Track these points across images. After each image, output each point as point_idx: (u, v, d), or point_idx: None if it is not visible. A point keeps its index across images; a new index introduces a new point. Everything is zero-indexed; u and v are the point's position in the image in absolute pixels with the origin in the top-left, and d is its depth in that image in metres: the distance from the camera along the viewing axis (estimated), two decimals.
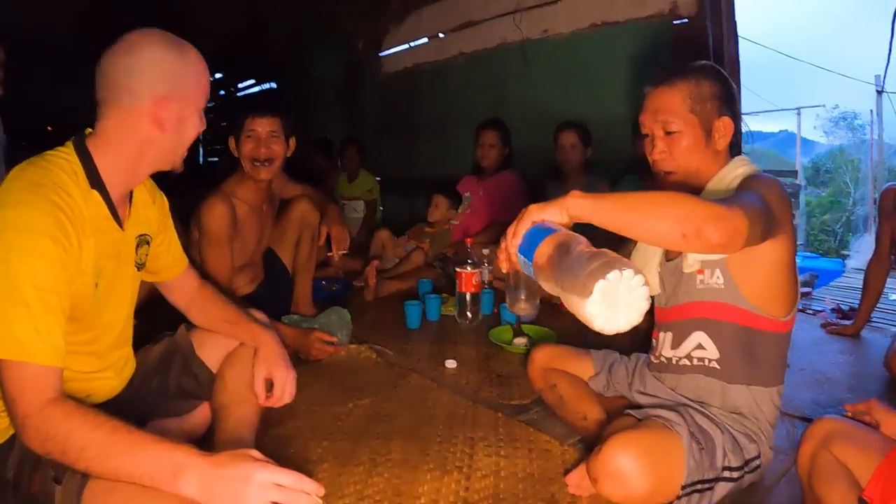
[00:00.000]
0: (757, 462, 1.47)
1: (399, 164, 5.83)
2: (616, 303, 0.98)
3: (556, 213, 1.16)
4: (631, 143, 3.26)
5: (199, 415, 1.74)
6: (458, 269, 2.95)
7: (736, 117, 1.53)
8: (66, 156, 1.31)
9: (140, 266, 1.56)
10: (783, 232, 1.37)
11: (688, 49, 3.43)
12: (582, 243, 1.05)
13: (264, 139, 2.40)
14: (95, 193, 1.32)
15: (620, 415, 1.63)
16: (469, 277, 2.93)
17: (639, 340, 1.77)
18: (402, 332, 2.93)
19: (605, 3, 4.02)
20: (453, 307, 3.06)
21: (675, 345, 1.59)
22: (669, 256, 1.63)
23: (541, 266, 1.09)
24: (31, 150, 1.32)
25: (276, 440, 1.86)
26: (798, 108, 13.57)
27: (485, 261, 3.40)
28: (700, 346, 1.53)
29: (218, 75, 9.70)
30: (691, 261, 1.51)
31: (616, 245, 1.15)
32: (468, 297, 2.95)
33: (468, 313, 2.97)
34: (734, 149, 1.57)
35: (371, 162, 5.61)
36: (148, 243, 1.57)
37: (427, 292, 3.33)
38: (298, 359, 2.43)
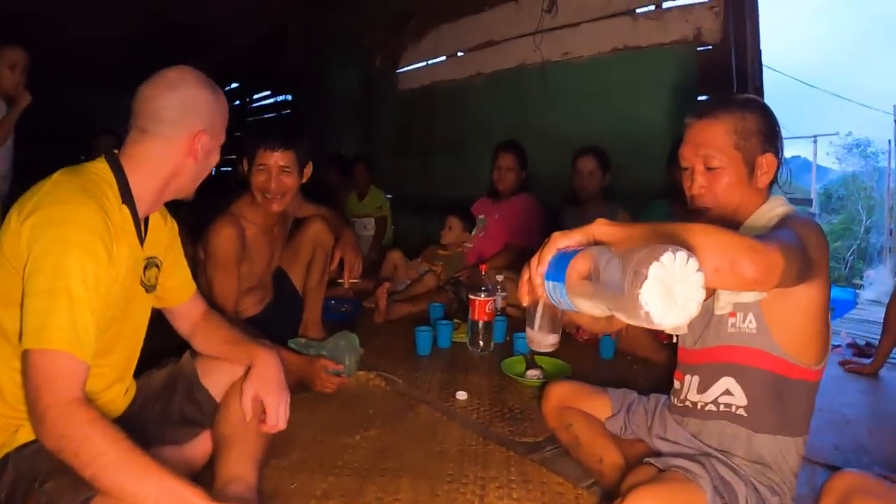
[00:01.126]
0: None
1: (414, 183, 5.78)
2: (672, 290, 0.89)
3: (581, 241, 1.09)
4: (663, 169, 3.15)
5: (200, 445, 1.69)
6: (471, 297, 2.88)
7: (779, 154, 1.47)
8: (101, 170, 1.39)
9: (149, 288, 1.55)
10: (819, 276, 1.30)
11: (712, 77, 3.38)
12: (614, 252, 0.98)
13: (275, 174, 2.33)
14: (126, 209, 1.39)
15: (639, 462, 1.55)
16: (483, 305, 2.86)
17: (658, 380, 1.70)
18: (412, 358, 2.86)
19: (627, 28, 3.97)
20: (464, 334, 3.00)
21: (702, 389, 1.51)
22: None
23: (576, 283, 1.01)
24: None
25: (280, 472, 1.79)
26: (814, 136, 13.50)
27: (498, 287, 3.33)
28: (728, 392, 1.46)
29: (234, 85, 9.76)
30: (724, 302, 1.44)
31: None
32: (481, 325, 2.88)
33: (480, 342, 2.90)
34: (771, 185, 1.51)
35: (385, 179, 5.58)
36: (157, 266, 1.58)
37: (438, 318, 3.26)
38: (304, 386, 2.37)
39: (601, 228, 1.08)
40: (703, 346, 1.52)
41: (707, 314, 1.50)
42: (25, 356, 1.16)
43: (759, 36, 3.35)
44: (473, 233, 4.01)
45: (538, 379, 2.47)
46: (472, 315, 2.90)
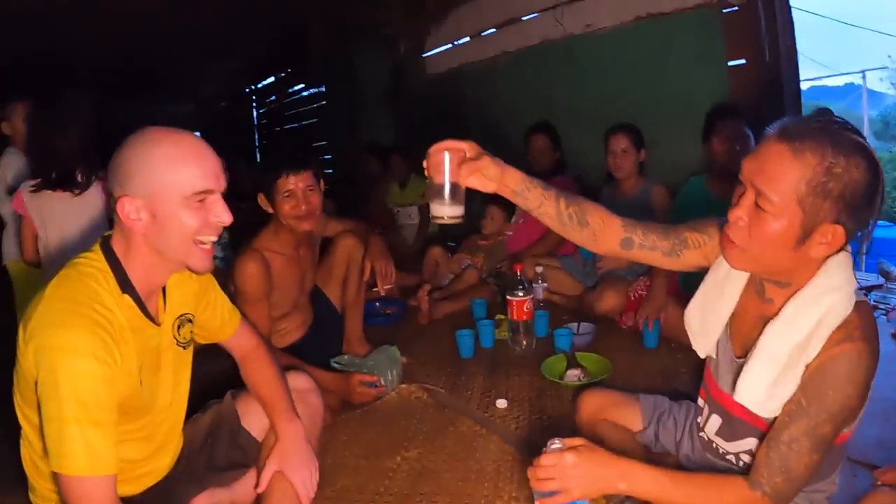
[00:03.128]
0: None
1: None
2: None
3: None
4: (698, 141, 3.03)
5: (248, 484, 1.74)
6: (508, 297, 2.88)
7: (860, 223, 1.16)
8: (95, 262, 1.36)
9: (185, 345, 1.59)
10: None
11: (738, 40, 3.22)
12: None
13: (302, 196, 2.33)
14: (127, 297, 1.37)
15: None
16: (520, 305, 2.86)
17: (701, 370, 1.62)
18: (456, 362, 2.89)
19: None
20: (506, 332, 3.00)
21: (723, 436, 1.44)
22: (737, 354, 1.39)
23: None
24: None
25: (324, 503, 1.85)
26: (863, 71, 12.62)
27: (539, 279, 3.32)
28: (749, 452, 1.37)
29: (270, 80, 9.87)
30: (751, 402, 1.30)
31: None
32: (520, 324, 2.89)
33: (522, 341, 2.90)
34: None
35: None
36: (191, 321, 1.60)
37: (481, 316, 3.27)
38: (348, 404, 2.43)
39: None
40: (727, 391, 1.39)
41: (732, 363, 1.39)
42: (55, 476, 1.25)
43: None
44: (513, 220, 3.98)
45: (578, 380, 2.47)
46: (510, 315, 2.90)
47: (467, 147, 1.36)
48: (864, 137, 1.14)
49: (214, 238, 1.39)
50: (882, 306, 3.23)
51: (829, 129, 1.12)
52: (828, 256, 1.20)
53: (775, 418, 1.24)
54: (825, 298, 1.19)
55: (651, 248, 1.45)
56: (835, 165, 1.09)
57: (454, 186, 1.35)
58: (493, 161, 1.38)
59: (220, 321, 1.70)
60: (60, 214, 2.67)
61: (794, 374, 1.20)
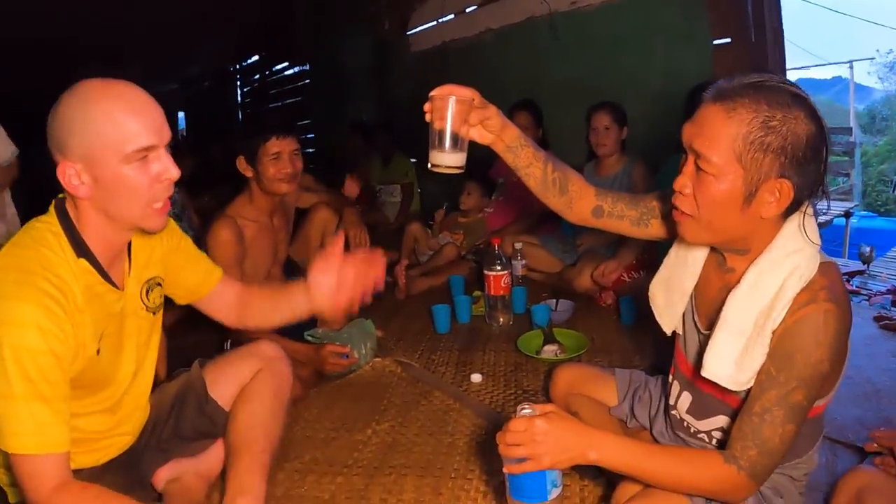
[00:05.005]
0: None
1: None
2: None
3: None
4: (681, 119, 3.03)
5: (215, 454, 1.72)
6: (485, 272, 2.84)
7: (809, 180, 1.12)
8: (49, 226, 1.29)
9: (155, 310, 1.53)
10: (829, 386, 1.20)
11: (723, 18, 3.17)
12: None
13: (289, 159, 2.37)
14: (84, 262, 1.30)
15: None
16: (498, 280, 2.82)
17: (670, 357, 1.59)
18: (432, 337, 2.85)
19: None
20: (484, 306, 2.97)
21: (694, 413, 1.38)
22: (703, 328, 1.34)
23: None
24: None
25: (292, 475, 1.83)
26: (850, 61, 12.60)
27: (518, 255, 3.28)
28: (722, 430, 1.32)
29: (254, 58, 9.75)
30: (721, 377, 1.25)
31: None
32: (498, 300, 2.85)
33: (498, 316, 2.87)
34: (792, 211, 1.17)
35: (409, 144, 5.49)
36: (160, 285, 1.55)
37: (459, 291, 3.23)
38: (321, 377, 2.39)
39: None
40: (696, 367, 1.33)
41: (699, 337, 1.35)
42: (4, 455, 1.22)
43: None
44: (493, 197, 3.94)
45: (555, 356, 2.43)
46: (487, 290, 2.87)
47: (473, 94, 1.29)
48: (803, 91, 1.11)
49: (167, 196, 1.32)
50: (864, 292, 3.22)
51: (764, 86, 1.10)
52: (782, 216, 1.16)
53: (747, 393, 1.19)
54: (786, 261, 1.15)
55: (619, 216, 1.45)
56: (771, 119, 1.07)
57: (456, 133, 1.28)
58: (498, 113, 1.34)
59: (200, 277, 1.64)
60: None
61: (762, 342, 1.15)
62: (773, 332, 1.14)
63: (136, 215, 1.29)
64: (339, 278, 1.50)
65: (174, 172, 1.29)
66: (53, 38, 5.99)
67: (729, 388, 1.21)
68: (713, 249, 1.32)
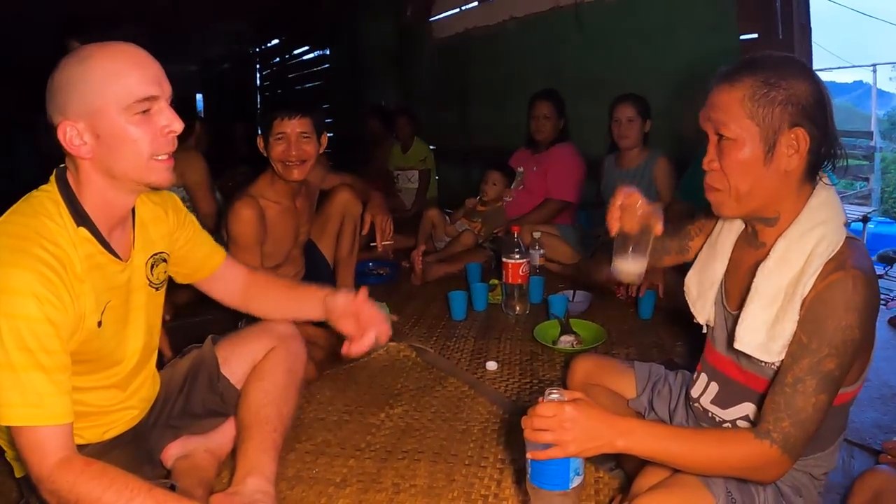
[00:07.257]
0: None
1: (453, 135, 5.65)
2: None
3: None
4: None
5: (226, 433, 1.71)
6: (504, 259, 2.82)
7: (821, 132, 1.17)
8: (49, 195, 1.27)
9: (159, 286, 1.51)
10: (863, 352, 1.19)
11: (751, 14, 3.11)
12: None
13: (294, 141, 2.28)
14: (83, 230, 1.28)
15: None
16: (516, 268, 2.79)
17: (697, 343, 1.58)
18: (447, 323, 2.83)
19: None
20: (500, 294, 2.94)
21: (719, 403, 1.37)
22: (732, 309, 1.35)
23: None
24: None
25: (304, 456, 1.81)
26: (874, 65, 12.38)
27: (537, 245, 3.25)
28: (746, 418, 1.31)
29: (274, 42, 9.73)
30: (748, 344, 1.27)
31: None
32: (515, 288, 2.82)
33: (515, 305, 2.84)
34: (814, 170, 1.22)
35: (427, 131, 5.49)
36: (165, 260, 1.52)
37: (476, 278, 3.20)
38: (335, 359, 2.37)
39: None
40: (724, 351, 1.36)
41: (728, 318, 1.34)
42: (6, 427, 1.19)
43: None
44: (513, 186, 3.91)
45: (571, 346, 2.41)
46: (505, 278, 2.84)
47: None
48: (793, 55, 1.18)
49: (171, 150, 1.29)
50: (882, 296, 3.18)
51: (757, 58, 1.20)
52: (807, 175, 1.20)
53: (775, 374, 1.19)
54: (814, 231, 1.18)
55: (666, 251, 1.58)
56: (771, 77, 1.14)
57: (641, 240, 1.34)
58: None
59: (202, 255, 1.62)
60: None
61: (792, 309, 1.16)
62: (804, 300, 1.15)
63: (141, 169, 1.26)
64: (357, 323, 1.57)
65: (177, 125, 1.27)
66: (86, 18, 5.97)
67: (761, 358, 1.21)
68: (743, 231, 1.35)
